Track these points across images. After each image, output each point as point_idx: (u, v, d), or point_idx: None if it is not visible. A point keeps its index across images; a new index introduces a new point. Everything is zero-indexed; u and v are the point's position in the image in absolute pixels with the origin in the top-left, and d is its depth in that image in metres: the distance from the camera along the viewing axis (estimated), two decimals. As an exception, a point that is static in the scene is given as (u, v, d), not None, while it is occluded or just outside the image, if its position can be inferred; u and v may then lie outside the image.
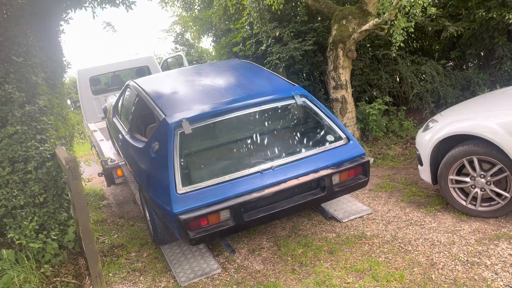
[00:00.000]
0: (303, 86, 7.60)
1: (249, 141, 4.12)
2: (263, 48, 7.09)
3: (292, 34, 7.15)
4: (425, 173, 4.53)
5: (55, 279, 4.46)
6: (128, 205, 6.87)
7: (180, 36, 15.62)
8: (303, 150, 4.07)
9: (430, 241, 3.91)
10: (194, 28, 11.17)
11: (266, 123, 4.29)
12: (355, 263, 3.76)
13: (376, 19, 6.30)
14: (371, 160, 6.42)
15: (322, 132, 4.25)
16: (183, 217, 3.53)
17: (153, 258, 4.63)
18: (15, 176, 4.65)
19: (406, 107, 7.64)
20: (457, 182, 4.22)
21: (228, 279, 3.90)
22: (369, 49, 8.47)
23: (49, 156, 4.79)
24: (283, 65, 7.04)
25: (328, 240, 4.26)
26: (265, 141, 4.16)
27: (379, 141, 7.08)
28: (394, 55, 6.33)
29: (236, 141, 4.16)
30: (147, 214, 4.87)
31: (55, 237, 4.69)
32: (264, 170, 3.82)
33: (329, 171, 3.92)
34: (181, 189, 3.66)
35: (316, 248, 4.11)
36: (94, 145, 7.97)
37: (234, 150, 4.12)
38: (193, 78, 5.03)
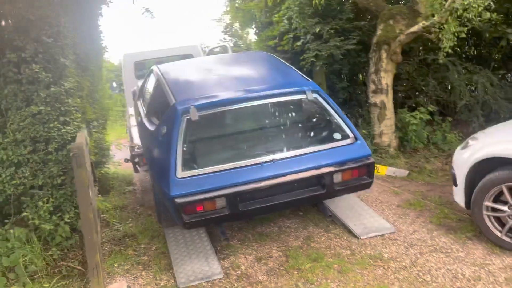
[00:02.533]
0: (342, 87, 7.23)
1: (254, 132, 4.26)
2: (299, 44, 6.76)
3: (333, 31, 6.76)
4: (458, 195, 4.09)
5: (61, 263, 4.45)
6: (151, 193, 6.81)
7: (229, 27, 15.50)
8: (307, 145, 4.09)
9: (453, 273, 3.50)
10: (238, 19, 11.01)
11: (274, 116, 4.37)
12: (364, 287, 3.43)
13: (424, 21, 5.81)
14: (405, 173, 5.97)
15: (330, 130, 4.21)
16: (179, 200, 3.65)
17: (160, 253, 4.50)
18: (36, 156, 4.66)
19: (453, 118, 7.06)
20: (493, 210, 3.76)
21: (227, 287, 3.70)
22: (421, 52, 7.90)
23: (70, 138, 4.77)
24: (321, 63, 6.69)
25: (340, 257, 3.94)
26: (271, 134, 4.26)
27: (418, 153, 6.59)
28: (441, 61, 5.82)
29: (242, 131, 4.28)
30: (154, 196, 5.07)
31: (68, 220, 4.64)
32: (265, 162, 3.85)
33: (330, 169, 3.91)
34: (180, 174, 3.76)
35: (326, 265, 3.81)
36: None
37: (239, 140, 4.22)
38: (213, 67, 5.10)
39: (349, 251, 4.04)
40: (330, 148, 4.03)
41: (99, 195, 6.32)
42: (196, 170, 3.83)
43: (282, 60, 5.23)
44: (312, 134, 4.34)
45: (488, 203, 3.74)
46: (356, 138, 4.11)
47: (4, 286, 4.01)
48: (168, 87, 4.57)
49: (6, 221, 4.77)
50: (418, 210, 4.80)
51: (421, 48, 7.89)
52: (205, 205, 3.74)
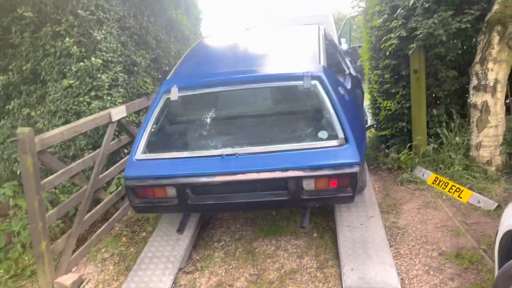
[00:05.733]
0: (448, 77, 5.57)
1: (228, 120, 3.92)
2: (380, 20, 5.32)
3: (438, 5, 5.08)
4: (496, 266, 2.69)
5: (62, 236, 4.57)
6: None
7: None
8: (282, 142, 3.54)
9: None
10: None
11: (260, 104, 4.03)
12: None
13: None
14: (493, 205, 4.31)
15: (318, 126, 3.61)
16: (128, 182, 3.57)
17: (147, 247, 4.23)
18: (68, 128, 4.81)
19: None
20: (523, 311, 2.32)
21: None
22: None
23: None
24: (414, 45, 5.20)
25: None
26: (250, 124, 3.90)
27: (534, 178, 4.71)
28: None
29: (220, 118, 3.95)
30: None
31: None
32: (227, 155, 3.48)
33: (299, 173, 3.33)
34: (139, 156, 3.67)
35: (271, 318, 2.98)
36: None
37: (212, 127, 3.89)
38: (243, 44, 4.81)
39: (316, 306, 3.09)
40: (308, 148, 3.42)
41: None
42: (155, 153, 3.68)
43: (321, 36, 4.54)
44: (295, 128, 3.76)
45: (515, 298, 2.32)
46: (346, 141, 3.39)
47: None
48: (181, 62, 4.51)
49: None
50: (462, 267, 3.39)
51: None
52: (156, 192, 3.59)
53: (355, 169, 3.28)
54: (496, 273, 2.65)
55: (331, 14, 11.35)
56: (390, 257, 3.49)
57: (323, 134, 3.50)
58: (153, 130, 3.77)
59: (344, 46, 12.89)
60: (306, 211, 3.80)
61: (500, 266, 2.53)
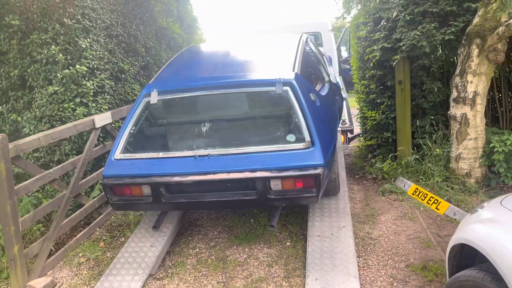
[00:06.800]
0: (430, 88, 5.59)
1: (204, 123, 3.97)
2: (365, 32, 5.35)
3: (419, 16, 5.11)
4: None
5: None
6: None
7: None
8: (253, 144, 3.69)
9: None
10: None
11: (233, 108, 4.14)
12: None
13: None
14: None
15: (287, 130, 3.74)
16: (106, 181, 3.72)
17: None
18: (53, 133, 4.90)
19: None
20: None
21: (121, 316, 3.27)
22: None
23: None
24: (397, 57, 5.23)
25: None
26: (222, 127, 4.03)
27: (513, 191, 4.70)
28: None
29: (194, 121, 4.07)
30: None
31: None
32: (200, 156, 3.64)
33: (266, 173, 3.44)
34: (118, 155, 3.84)
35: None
36: None
37: (186, 130, 4.07)
38: (228, 49, 5.04)
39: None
40: (276, 151, 3.55)
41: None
42: (132, 154, 3.85)
43: (300, 45, 4.70)
44: (264, 132, 3.88)
45: (457, 313, 2.34)
46: (312, 144, 3.51)
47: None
48: (164, 67, 4.70)
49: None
50: (426, 280, 3.40)
51: None
52: (132, 190, 3.73)
53: (319, 170, 3.38)
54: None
55: (329, 22, 11.47)
56: (356, 268, 3.51)
57: (291, 137, 3.63)
58: (132, 131, 3.94)
59: (344, 54, 12.95)
60: (276, 211, 3.94)
61: (451, 270, 2.56)
